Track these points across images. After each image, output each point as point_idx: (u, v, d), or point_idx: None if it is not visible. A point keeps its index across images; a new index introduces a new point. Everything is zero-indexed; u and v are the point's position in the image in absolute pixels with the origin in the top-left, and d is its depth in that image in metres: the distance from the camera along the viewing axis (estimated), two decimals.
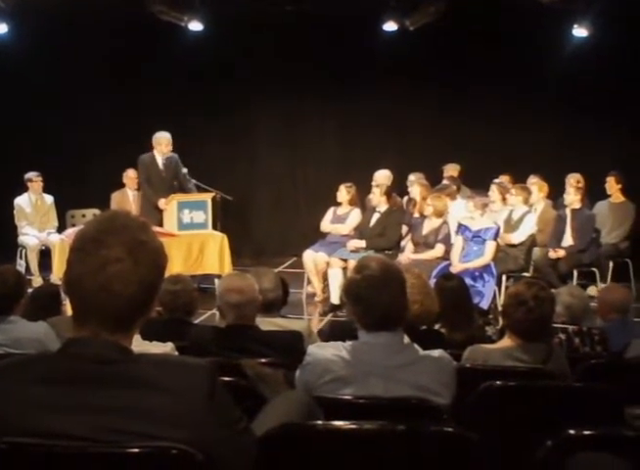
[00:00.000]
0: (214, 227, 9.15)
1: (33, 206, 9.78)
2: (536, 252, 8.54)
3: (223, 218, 9.91)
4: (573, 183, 9.15)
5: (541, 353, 3.50)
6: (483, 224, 7.93)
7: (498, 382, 2.96)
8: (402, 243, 8.75)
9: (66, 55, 10.43)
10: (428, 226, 8.28)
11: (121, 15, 10.08)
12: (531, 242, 8.38)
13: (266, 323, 3.95)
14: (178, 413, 1.68)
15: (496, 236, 7.89)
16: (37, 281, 8.89)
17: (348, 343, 2.80)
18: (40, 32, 10.16)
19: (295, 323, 4.35)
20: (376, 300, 2.72)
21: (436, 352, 2.82)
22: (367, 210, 9.06)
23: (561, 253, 8.39)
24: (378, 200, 8.75)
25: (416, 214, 8.80)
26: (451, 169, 10.25)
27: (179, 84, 11.10)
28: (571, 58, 9.87)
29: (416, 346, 2.82)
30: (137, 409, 1.67)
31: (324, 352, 2.79)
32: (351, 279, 2.85)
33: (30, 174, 9.76)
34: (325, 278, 8.68)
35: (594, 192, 9.39)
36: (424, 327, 4.18)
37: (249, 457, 1.88)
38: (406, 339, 2.82)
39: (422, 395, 2.64)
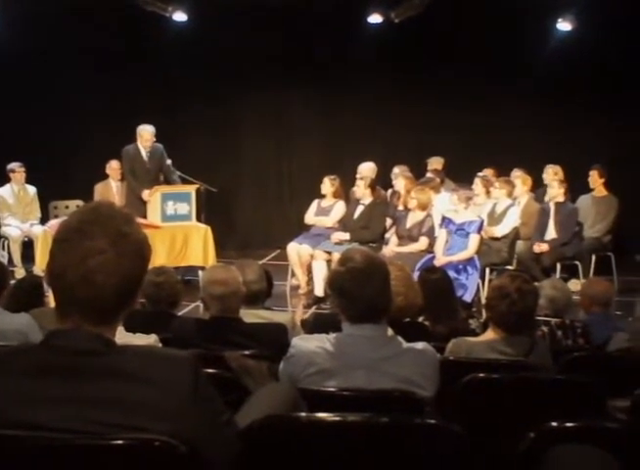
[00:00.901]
0: (198, 219, 9.13)
1: (16, 196, 9.72)
2: (520, 245, 8.56)
3: (207, 210, 9.87)
4: (551, 173, 9.20)
5: (524, 346, 3.51)
6: (467, 217, 7.94)
7: (481, 374, 2.97)
8: (386, 236, 8.75)
9: (50, 46, 10.32)
10: (412, 219, 8.29)
11: (107, 6, 10.00)
12: (515, 235, 8.40)
13: (250, 315, 3.95)
14: (162, 405, 1.68)
15: (480, 229, 7.90)
16: (20, 272, 8.85)
17: (332, 335, 2.80)
18: (25, 24, 10.06)
19: (279, 315, 4.35)
20: (360, 292, 2.72)
21: (420, 345, 2.82)
22: (351, 202, 9.05)
23: (544, 247, 8.41)
24: (362, 192, 8.75)
25: (400, 207, 8.82)
26: (435, 163, 10.27)
27: (164, 76, 11.04)
28: (555, 52, 9.91)
29: (400, 338, 2.82)
30: (121, 401, 1.67)
31: (308, 344, 2.79)
32: (335, 271, 2.85)
33: (13, 165, 9.70)
34: (309, 270, 8.68)
35: (577, 186, 9.41)
36: (407, 320, 4.19)
37: (232, 449, 1.88)
38: (390, 331, 2.82)
39: (405, 387, 2.65)
